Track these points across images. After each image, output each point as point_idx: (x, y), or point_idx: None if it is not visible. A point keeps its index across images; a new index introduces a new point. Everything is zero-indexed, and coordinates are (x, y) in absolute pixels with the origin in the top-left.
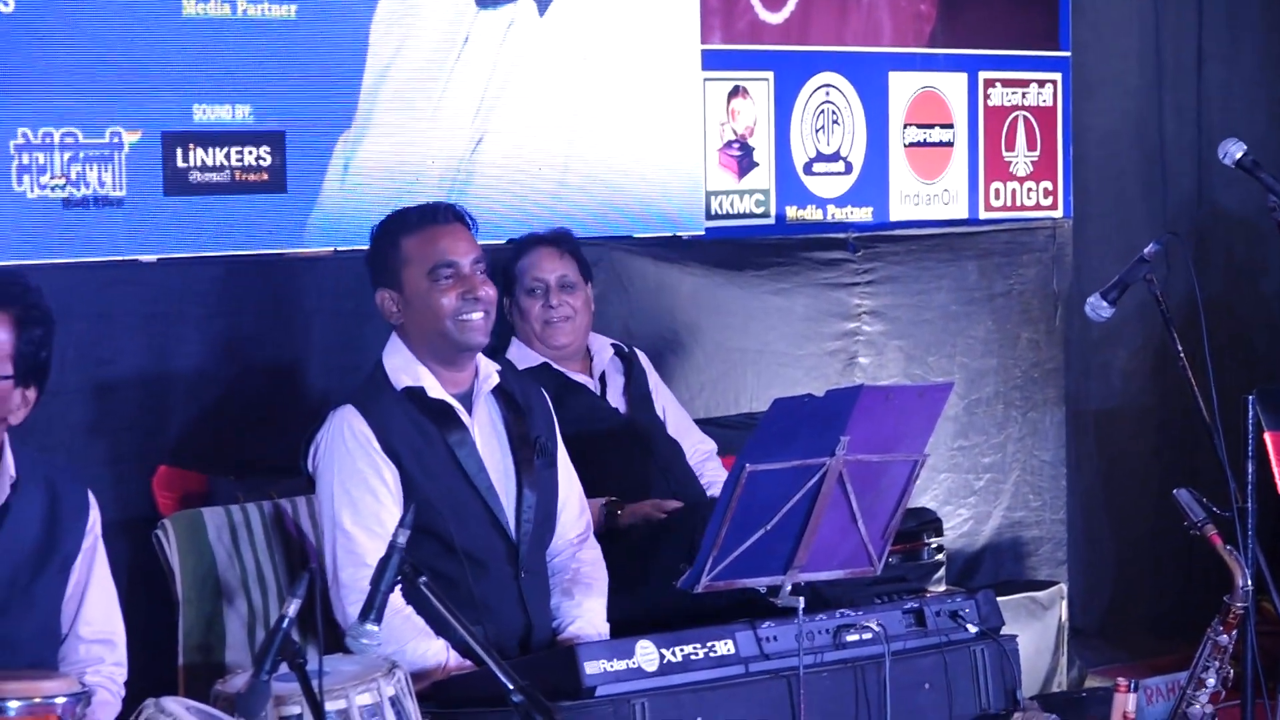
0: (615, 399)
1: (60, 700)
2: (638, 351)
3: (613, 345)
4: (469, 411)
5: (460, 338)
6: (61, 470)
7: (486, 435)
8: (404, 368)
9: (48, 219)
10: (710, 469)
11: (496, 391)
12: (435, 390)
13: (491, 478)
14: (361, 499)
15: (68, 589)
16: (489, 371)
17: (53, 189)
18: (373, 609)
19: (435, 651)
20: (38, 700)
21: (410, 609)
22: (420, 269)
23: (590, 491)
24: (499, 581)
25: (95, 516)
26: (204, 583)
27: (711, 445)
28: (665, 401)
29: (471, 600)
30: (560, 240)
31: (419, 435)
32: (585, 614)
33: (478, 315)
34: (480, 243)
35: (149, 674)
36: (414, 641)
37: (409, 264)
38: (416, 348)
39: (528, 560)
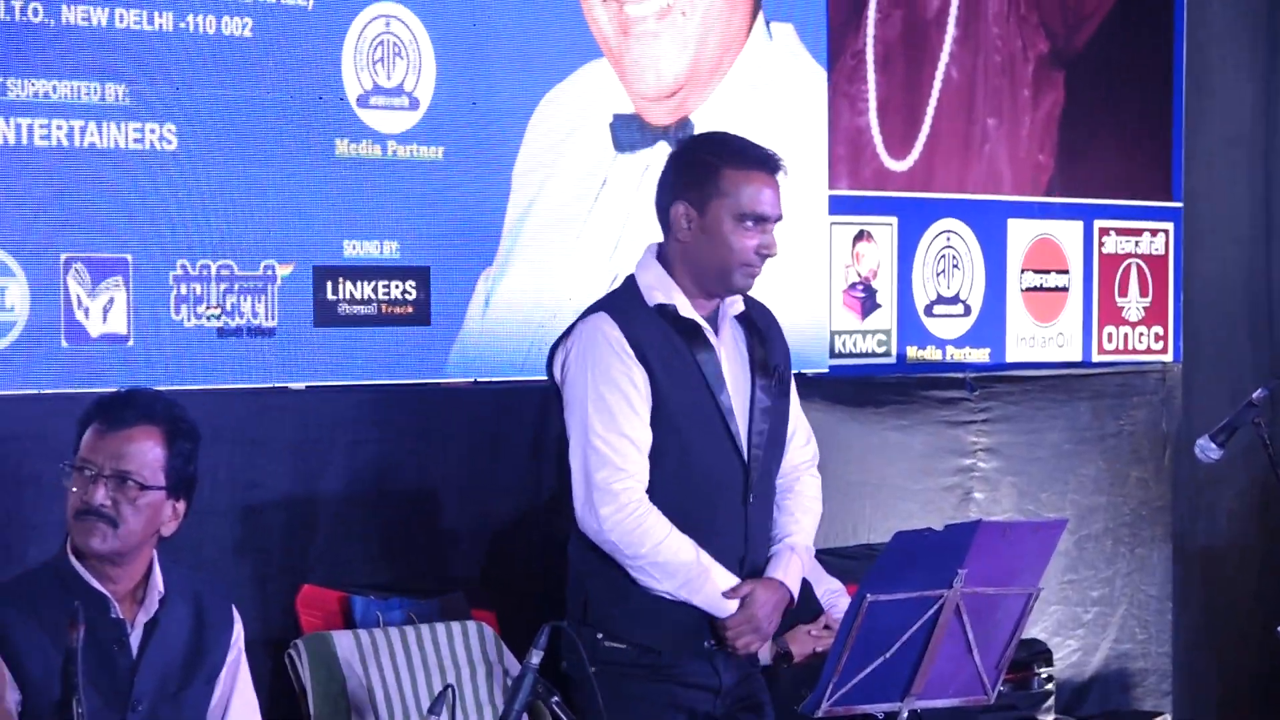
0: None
1: None
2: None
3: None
4: (717, 332)
5: (739, 284)
6: (208, 585)
7: (730, 356)
8: (658, 285)
9: (203, 347)
10: (842, 604)
11: (739, 317)
12: (686, 310)
13: (732, 398)
14: (615, 403)
15: (213, 700)
16: (734, 298)
17: (208, 318)
18: None
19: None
20: None
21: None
22: (732, 207)
23: None
24: (728, 503)
25: (239, 631)
26: (336, 702)
27: (840, 585)
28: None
29: (698, 520)
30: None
31: (668, 346)
32: (800, 530)
33: (759, 269)
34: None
35: None
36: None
37: (722, 195)
38: (680, 269)
39: (757, 484)
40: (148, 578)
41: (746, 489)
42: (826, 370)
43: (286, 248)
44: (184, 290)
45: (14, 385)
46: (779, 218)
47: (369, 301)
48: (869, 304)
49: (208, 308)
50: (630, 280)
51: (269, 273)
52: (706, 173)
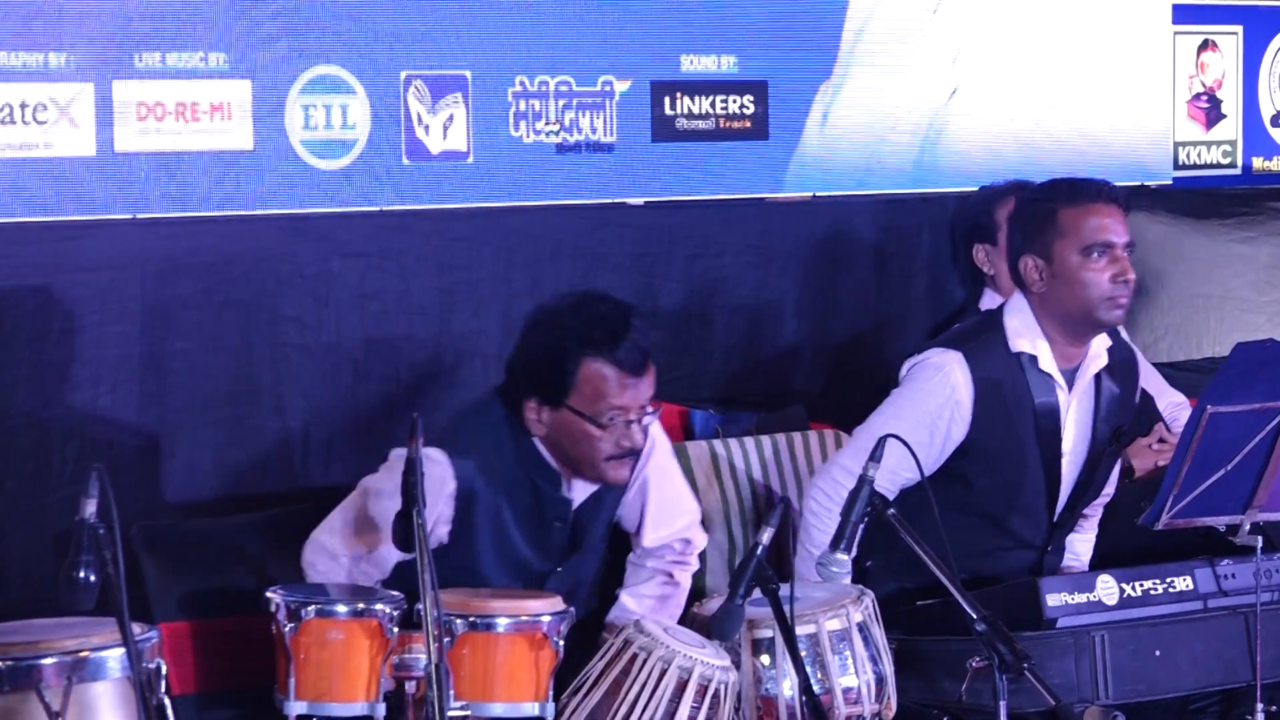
0: None
1: (546, 618)
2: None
3: None
4: (1070, 387)
5: (1105, 317)
6: None
7: (1076, 415)
8: (1024, 332)
9: (542, 162)
10: (1184, 418)
11: (1100, 373)
12: (1047, 364)
13: (1064, 460)
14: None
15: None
16: (1099, 351)
17: (547, 134)
18: (843, 539)
19: None
20: (524, 618)
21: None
22: (1075, 244)
23: None
24: (1018, 556)
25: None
26: None
27: (1183, 398)
28: (1143, 367)
29: (980, 553)
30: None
31: (1014, 394)
32: None
33: (1125, 298)
34: (951, 190)
35: None
36: None
37: (1063, 236)
38: (1045, 318)
39: (1056, 540)
40: None
41: (1045, 547)
42: (1170, 182)
43: (624, 63)
44: (522, 106)
45: (357, 201)
46: (1128, 243)
47: (707, 116)
48: (1214, 115)
49: (546, 124)
50: (997, 318)
51: (607, 88)
52: (1043, 219)
